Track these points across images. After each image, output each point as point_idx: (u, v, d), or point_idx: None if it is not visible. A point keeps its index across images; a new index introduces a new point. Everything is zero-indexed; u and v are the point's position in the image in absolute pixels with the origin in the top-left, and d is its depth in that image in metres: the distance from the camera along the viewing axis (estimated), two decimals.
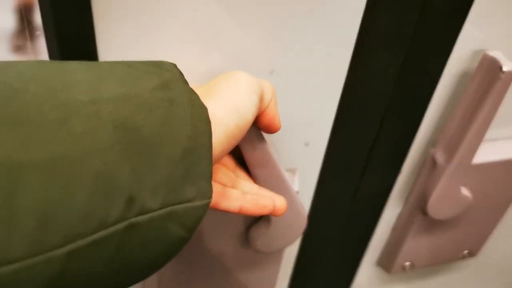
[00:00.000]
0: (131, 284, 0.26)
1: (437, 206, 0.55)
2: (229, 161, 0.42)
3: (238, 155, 0.42)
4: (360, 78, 0.45)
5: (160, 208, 0.24)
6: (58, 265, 0.20)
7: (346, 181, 0.55)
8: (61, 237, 0.20)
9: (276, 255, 0.56)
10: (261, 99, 0.34)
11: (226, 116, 0.30)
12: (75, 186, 0.20)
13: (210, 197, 0.26)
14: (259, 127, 0.38)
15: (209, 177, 0.26)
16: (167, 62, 0.28)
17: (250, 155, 0.41)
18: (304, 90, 0.44)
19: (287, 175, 0.50)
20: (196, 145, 0.25)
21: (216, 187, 0.38)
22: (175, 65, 0.28)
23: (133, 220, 0.22)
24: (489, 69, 0.45)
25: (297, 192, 0.50)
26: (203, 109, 0.27)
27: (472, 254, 0.70)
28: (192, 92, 0.27)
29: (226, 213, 0.48)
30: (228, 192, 0.38)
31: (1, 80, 0.21)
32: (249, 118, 0.31)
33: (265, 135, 0.45)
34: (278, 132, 0.46)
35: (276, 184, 0.43)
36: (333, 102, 0.46)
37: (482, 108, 0.46)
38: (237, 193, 0.39)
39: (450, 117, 0.50)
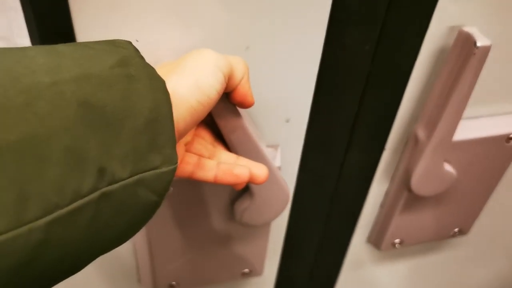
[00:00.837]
0: (110, 249, 0.28)
1: (420, 183, 0.56)
2: (208, 134, 0.43)
3: (218, 131, 0.43)
4: (336, 54, 0.46)
5: (130, 177, 0.25)
6: (40, 234, 0.22)
7: (330, 157, 0.56)
8: (40, 209, 0.21)
9: (263, 229, 0.58)
10: (231, 76, 0.35)
11: (188, 93, 0.31)
12: (47, 162, 0.22)
13: (176, 163, 0.28)
14: (233, 103, 0.39)
15: (173, 145, 0.28)
16: (122, 40, 0.29)
17: (225, 131, 0.42)
18: (280, 66, 0.45)
19: (268, 151, 0.52)
20: (157, 116, 0.27)
21: (192, 158, 0.40)
22: (130, 42, 0.29)
23: (105, 189, 0.24)
24: (464, 45, 0.46)
25: (279, 168, 0.52)
26: (161, 82, 0.28)
27: (463, 232, 0.71)
28: (149, 66, 0.28)
29: (211, 186, 0.50)
30: (204, 162, 0.40)
31: None
32: (212, 95, 0.32)
33: (245, 111, 0.46)
34: (258, 108, 0.47)
35: (254, 158, 0.45)
36: (311, 78, 0.47)
37: (459, 84, 0.47)
38: (212, 163, 0.40)
39: (430, 94, 0.51)
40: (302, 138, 0.52)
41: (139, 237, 0.54)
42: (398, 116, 0.54)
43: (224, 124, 0.42)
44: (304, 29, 0.43)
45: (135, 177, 0.26)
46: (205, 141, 0.42)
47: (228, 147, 0.44)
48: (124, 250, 0.58)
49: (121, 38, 0.38)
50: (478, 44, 0.44)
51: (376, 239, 0.69)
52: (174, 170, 0.28)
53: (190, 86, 0.31)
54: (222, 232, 0.56)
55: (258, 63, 0.44)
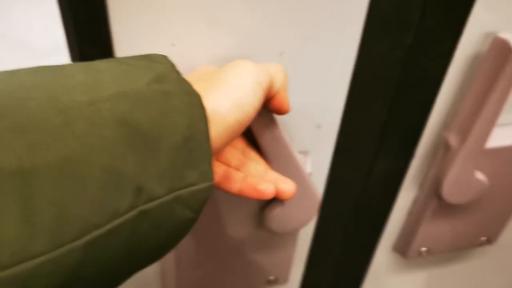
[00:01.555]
0: (147, 265, 0.28)
1: (451, 191, 0.56)
2: (239, 141, 0.43)
3: (251, 135, 0.43)
4: (369, 60, 0.45)
5: (167, 194, 0.25)
6: (78, 255, 0.22)
7: (358, 164, 0.55)
8: (78, 230, 0.22)
9: (291, 236, 0.57)
10: (271, 85, 0.35)
11: (227, 111, 0.31)
12: (85, 182, 0.22)
13: (212, 179, 0.28)
14: (269, 110, 0.39)
15: (209, 161, 0.28)
16: (159, 54, 0.29)
17: (261, 136, 0.42)
18: (313, 72, 0.45)
19: (299, 157, 0.51)
20: (194, 132, 0.27)
21: (219, 168, 0.40)
22: (166, 57, 0.29)
23: (142, 207, 0.24)
24: (500, 51, 0.45)
25: (310, 174, 0.52)
26: (197, 97, 0.28)
27: (490, 241, 0.70)
28: (185, 82, 0.28)
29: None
30: (230, 174, 0.40)
31: (5, 90, 0.22)
32: (251, 113, 0.32)
33: (277, 116, 0.46)
34: (290, 114, 0.47)
35: (287, 165, 0.44)
36: (343, 84, 0.47)
37: (494, 91, 0.46)
38: (239, 175, 0.40)
39: (463, 100, 0.50)
40: (332, 144, 0.52)
41: None
42: (429, 123, 0.54)
43: (259, 131, 0.42)
44: (337, 35, 0.43)
45: (172, 194, 0.26)
46: (235, 149, 0.42)
47: (260, 152, 0.44)
48: None
49: (157, 42, 0.39)
50: None
51: (402, 247, 0.68)
52: (211, 186, 0.28)
53: (230, 104, 0.31)
54: (250, 238, 0.56)
55: (291, 68, 0.44)
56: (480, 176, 0.56)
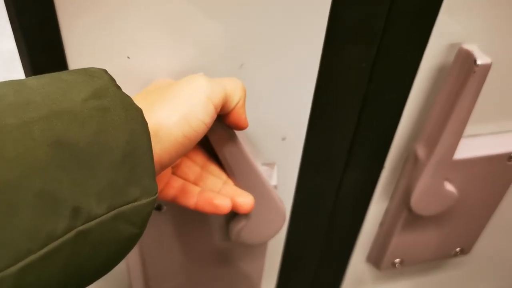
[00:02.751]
0: (90, 283, 0.26)
1: (420, 202, 0.55)
2: (199, 155, 0.42)
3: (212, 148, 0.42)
4: (333, 72, 0.45)
5: (107, 212, 0.24)
6: (11, 282, 0.21)
7: (327, 176, 0.55)
8: (11, 257, 0.21)
9: (260, 249, 0.56)
10: (225, 103, 0.34)
11: (175, 126, 0.30)
12: (17, 208, 0.21)
13: (156, 193, 0.27)
14: (227, 125, 0.38)
15: (152, 176, 0.27)
16: (97, 69, 0.28)
17: (220, 151, 0.41)
18: (276, 83, 0.44)
19: (264, 170, 0.50)
20: (135, 148, 0.26)
21: (176, 182, 0.39)
22: (105, 71, 0.28)
23: (81, 228, 0.23)
24: (464, 62, 0.45)
25: (276, 186, 0.51)
26: (138, 112, 0.27)
27: (464, 251, 0.70)
28: (124, 96, 0.27)
29: None
30: (187, 188, 0.39)
31: None
32: (200, 128, 0.32)
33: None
34: (254, 126, 0.46)
35: (249, 178, 0.44)
36: (307, 97, 0.46)
37: (459, 102, 0.46)
38: (196, 189, 0.39)
39: (429, 111, 0.50)
40: (298, 156, 0.51)
41: (133, 257, 0.53)
42: (397, 134, 0.53)
43: (218, 146, 0.41)
44: (300, 47, 0.42)
45: (113, 212, 0.25)
46: (194, 163, 0.41)
47: (222, 165, 0.43)
48: (118, 271, 0.56)
49: (112, 54, 0.38)
50: (478, 62, 0.43)
51: (375, 259, 0.68)
52: (154, 201, 0.27)
53: (177, 119, 0.30)
54: (218, 251, 0.55)
55: (252, 80, 0.43)
56: (449, 187, 0.55)
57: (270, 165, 0.51)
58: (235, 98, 0.35)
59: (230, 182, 0.43)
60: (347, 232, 0.64)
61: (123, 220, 0.25)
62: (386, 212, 0.62)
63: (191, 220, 0.51)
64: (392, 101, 0.49)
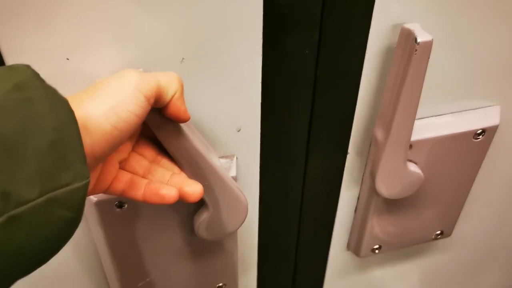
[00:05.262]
0: (31, 270, 0.28)
1: (384, 185, 0.55)
2: (149, 151, 0.43)
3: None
4: (276, 60, 0.45)
5: (39, 197, 0.25)
6: None
7: (290, 164, 0.55)
8: None
9: (230, 241, 0.57)
10: (159, 95, 0.35)
11: (103, 118, 0.31)
12: None
13: (88, 177, 0.28)
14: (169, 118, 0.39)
15: (83, 160, 0.28)
16: (20, 64, 0.29)
17: (166, 144, 0.42)
18: (221, 75, 0.45)
19: (223, 162, 0.51)
20: (62, 135, 0.27)
21: (124, 176, 0.40)
22: (28, 66, 0.29)
23: (12, 212, 0.24)
24: (407, 42, 0.45)
25: (235, 178, 0.51)
26: (63, 101, 0.28)
27: (445, 234, 0.69)
28: (49, 88, 0.28)
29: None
30: (135, 181, 0.40)
31: None
32: (131, 120, 0.32)
33: (192, 122, 0.46)
34: (206, 119, 0.47)
35: (201, 169, 0.44)
36: (256, 86, 0.47)
37: (406, 82, 0.46)
38: (142, 182, 0.40)
39: (383, 94, 0.50)
40: (257, 147, 0.52)
41: (105, 257, 0.54)
42: (357, 119, 0.54)
43: (163, 138, 0.41)
44: (240, 37, 0.43)
45: (45, 196, 0.26)
46: (143, 157, 0.42)
47: (172, 160, 0.44)
48: (96, 272, 0.58)
49: (50, 56, 0.39)
50: (419, 40, 0.43)
51: (355, 246, 0.68)
52: (86, 185, 0.28)
53: (105, 110, 0.31)
54: (189, 246, 0.56)
55: (196, 74, 0.44)
56: (413, 168, 0.55)
57: (229, 157, 0.51)
58: (170, 89, 0.36)
59: (181, 173, 0.44)
60: (321, 220, 0.64)
61: (57, 205, 0.26)
62: (359, 198, 0.62)
63: (155, 217, 0.52)
64: (343, 86, 0.50)
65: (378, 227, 0.64)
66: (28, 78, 0.28)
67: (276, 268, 0.67)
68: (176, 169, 0.44)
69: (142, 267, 0.56)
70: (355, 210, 0.64)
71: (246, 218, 0.50)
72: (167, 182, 0.42)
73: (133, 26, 0.40)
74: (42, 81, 0.28)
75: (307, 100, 0.50)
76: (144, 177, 0.41)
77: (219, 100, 0.46)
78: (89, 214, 0.49)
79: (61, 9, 0.37)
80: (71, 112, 0.28)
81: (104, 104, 0.32)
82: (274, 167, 0.54)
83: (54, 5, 0.37)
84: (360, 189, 0.61)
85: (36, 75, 0.29)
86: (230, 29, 0.42)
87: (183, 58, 0.43)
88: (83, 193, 0.28)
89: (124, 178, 0.40)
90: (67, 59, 0.40)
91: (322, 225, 0.65)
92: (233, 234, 0.55)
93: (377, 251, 0.67)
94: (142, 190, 0.40)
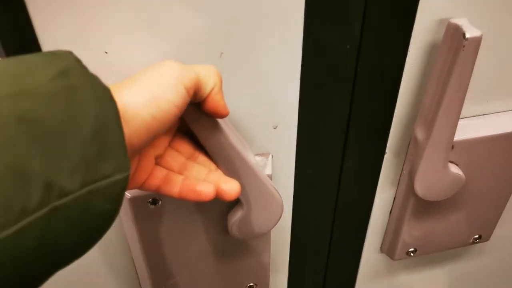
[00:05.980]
0: (68, 262, 0.27)
1: (424, 187, 0.53)
2: (185, 147, 0.42)
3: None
4: (316, 55, 0.44)
5: (81, 188, 0.25)
6: None
7: (326, 163, 0.54)
8: None
9: (263, 240, 0.56)
10: (199, 88, 0.34)
11: (142, 107, 0.30)
12: None
13: (128, 169, 0.28)
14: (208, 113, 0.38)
15: (123, 152, 0.27)
16: (63, 50, 0.28)
17: (203, 139, 0.41)
18: (259, 71, 0.44)
19: (258, 160, 0.50)
20: (104, 125, 0.26)
21: (160, 172, 0.39)
22: (71, 52, 0.28)
23: (55, 203, 0.24)
24: (454, 37, 0.43)
25: (270, 176, 0.50)
26: (106, 90, 0.28)
27: (483, 238, 0.67)
28: (92, 76, 0.28)
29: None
30: (171, 177, 0.39)
31: None
32: (171, 110, 0.32)
33: (229, 119, 0.45)
34: (243, 116, 0.46)
35: (237, 167, 0.43)
36: (294, 83, 0.45)
37: (452, 80, 0.44)
38: (179, 178, 0.39)
39: (426, 92, 0.48)
40: (294, 145, 0.51)
41: (136, 254, 0.53)
42: (397, 117, 0.52)
43: (201, 134, 0.41)
44: (280, 31, 0.42)
45: (87, 188, 0.25)
46: (179, 154, 0.41)
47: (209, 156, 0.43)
48: (127, 269, 0.57)
49: (89, 50, 0.38)
50: (467, 35, 0.42)
51: (389, 248, 0.66)
52: (127, 177, 0.28)
53: (145, 100, 0.31)
54: (219, 245, 0.55)
55: (234, 69, 0.43)
56: (455, 170, 0.53)
57: (265, 155, 0.50)
58: (209, 83, 0.35)
59: (217, 170, 0.43)
60: (355, 221, 0.62)
61: (97, 196, 0.26)
62: (394, 199, 0.60)
63: (189, 214, 0.51)
64: (384, 82, 0.48)
65: (414, 229, 0.62)
66: (72, 64, 0.27)
67: (307, 268, 0.66)
68: (212, 166, 0.43)
69: (173, 265, 0.56)
70: (391, 212, 0.62)
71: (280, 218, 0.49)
72: (204, 179, 0.41)
73: (171, 19, 0.39)
74: (85, 68, 0.28)
75: (345, 98, 0.48)
76: (180, 173, 0.41)
77: (257, 96, 0.45)
78: (123, 210, 0.48)
79: (99, 1, 0.37)
80: (113, 101, 0.27)
81: (143, 94, 0.31)
82: (309, 166, 0.53)
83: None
84: (397, 190, 0.59)
85: (79, 62, 0.28)
86: (269, 23, 0.41)
87: (222, 53, 0.42)
88: (124, 185, 0.28)
89: (160, 174, 0.39)
90: (106, 52, 0.39)
91: (356, 226, 0.63)
92: (267, 233, 0.54)
93: (412, 254, 0.65)
94: (178, 186, 0.39)
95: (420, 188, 0.53)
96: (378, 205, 0.61)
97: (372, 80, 0.47)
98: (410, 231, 0.62)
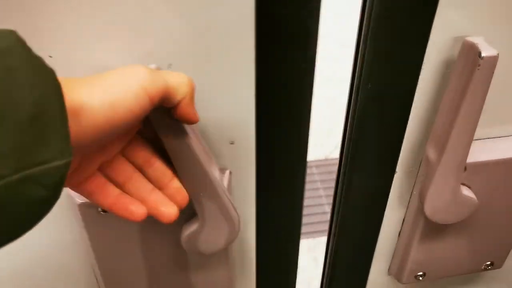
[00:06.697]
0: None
1: (435, 209, 0.51)
2: (143, 150, 0.40)
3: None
4: (270, 74, 0.42)
5: (14, 173, 0.24)
6: None
7: (289, 179, 0.51)
8: None
9: (221, 257, 0.53)
10: (166, 97, 0.33)
11: (97, 109, 0.29)
12: None
13: (70, 156, 0.27)
14: (177, 119, 0.36)
15: (65, 138, 0.26)
16: (5, 29, 0.26)
17: (168, 145, 0.39)
18: (211, 85, 0.42)
19: (216, 173, 0.47)
20: (44, 109, 0.25)
21: (98, 179, 0.37)
22: (13, 32, 0.26)
23: None
24: (469, 56, 0.42)
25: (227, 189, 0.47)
26: (49, 73, 0.26)
27: (496, 265, 0.65)
28: (35, 57, 0.26)
29: None
30: (106, 187, 0.38)
31: None
32: (127, 116, 0.30)
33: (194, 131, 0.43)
34: (199, 130, 0.44)
35: (198, 178, 0.42)
36: (250, 97, 0.44)
37: (466, 99, 0.43)
38: (115, 191, 0.38)
39: (438, 110, 0.47)
40: (253, 161, 0.49)
41: (93, 259, 0.52)
42: (408, 136, 0.50)
43: (167, 139, 0.39)
44: (229, 48, 0.40)
45: (21, 173, 0.24)
46: (127, 163, 0.39)
47: (168, 164, 0.41)
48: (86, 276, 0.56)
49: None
50: (483, 54, 0.40)
51: (397, 271, 0.64)
52: (67, 164, 0.26)
53: (102, 102, 0.29)
54: (177, 257, 0.52)
55: None
56: (467, 193, 0.52)
57: (222, 170, 0.48)
58: (179, 92, 0.34)
59: (166, 185, 0.41)
60: (362, 241, 0.60)
61: (32, 182, 0.25)
62: (404, 220, 0.59)
63: (142, 224, 0.49)
64: (396, 100, 0.47)
65: (424, 253, 0.60)
66: (12, 44, 0.25)
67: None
68: (168, 173, 0.41)
69: (127, 276, 0.53)
70: (399, 233, 0.61)
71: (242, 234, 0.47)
72: (143, 197, 0.39)
73: (121, 23, 0.38)
74: (28, 49, 0.26)
75: (305, 114, 0.46)
76: (123, 184, 0.39)
77: (212, 110, 0.44)
78: (74, 216, 0.47)
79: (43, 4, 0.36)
80: (57, 86, 0.26)
81: (102, 95, 0.30)
82: (271, 182, 0.51)
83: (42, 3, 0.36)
84: (406, 211, 0.58)
85: (20, 41, 0.26)
86: (223, 35, 0.40)
87: (170, 64, 0.40)
88: (63, 172, 0.26)
89: (97, 182, 0.37)
90: (50, 56, 0.38)
91: (363, 247, 0.61)
92: (224, 251, 0.51)
93: (420, 278, 0.63)
94: (111, 198, 0.37)
95: (430, 209, 0.51)
96: (387, 225, 0.59)
97: (383, 97, 0.46)
98: (419, 254, 0.60)
